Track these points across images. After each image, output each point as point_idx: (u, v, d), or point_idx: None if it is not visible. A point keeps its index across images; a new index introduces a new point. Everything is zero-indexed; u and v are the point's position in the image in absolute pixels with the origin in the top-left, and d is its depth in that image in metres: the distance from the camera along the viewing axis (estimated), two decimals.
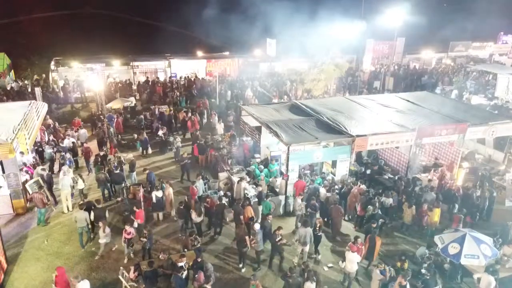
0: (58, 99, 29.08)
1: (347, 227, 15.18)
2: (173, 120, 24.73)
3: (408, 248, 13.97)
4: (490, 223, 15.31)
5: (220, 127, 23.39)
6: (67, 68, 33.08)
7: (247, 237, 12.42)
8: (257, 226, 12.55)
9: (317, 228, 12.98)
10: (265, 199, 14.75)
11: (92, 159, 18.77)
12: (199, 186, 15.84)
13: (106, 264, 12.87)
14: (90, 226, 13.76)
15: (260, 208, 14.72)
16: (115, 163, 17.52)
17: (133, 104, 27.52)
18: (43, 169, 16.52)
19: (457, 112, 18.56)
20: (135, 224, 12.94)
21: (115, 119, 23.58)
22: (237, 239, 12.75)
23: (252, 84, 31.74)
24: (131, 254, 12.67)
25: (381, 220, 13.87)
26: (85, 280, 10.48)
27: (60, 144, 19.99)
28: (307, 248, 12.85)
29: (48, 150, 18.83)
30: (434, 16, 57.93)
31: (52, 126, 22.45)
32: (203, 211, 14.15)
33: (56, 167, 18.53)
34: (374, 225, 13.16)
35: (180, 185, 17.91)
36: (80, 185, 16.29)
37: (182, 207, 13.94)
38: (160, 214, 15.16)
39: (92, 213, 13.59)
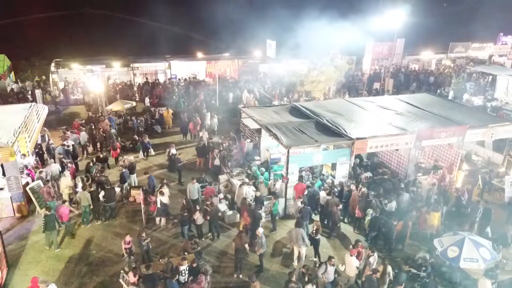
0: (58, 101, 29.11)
1: (346, 230, 15.24)
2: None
3: (408, 252, 13.96)
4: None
5: (205, 135, 21.40)
6: (67, 70, 33.11)
7: (246, 245, 12.32)
8: (260, 230, 12.66)
9: (313, 232, 12.90)
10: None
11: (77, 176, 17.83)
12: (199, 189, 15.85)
13: (107, 267, 12.90)
14: (91, 206, 14.88)
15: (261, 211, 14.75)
16: (101, 170, 17.47)
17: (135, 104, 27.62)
18: (41, 172, 16.59)
19: (456, 114, 18.57)
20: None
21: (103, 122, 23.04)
22: (236, 247, 12.43)
23: (252, 86, 31.72)
24: (132, 263, 12.69)
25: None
26: (52, 284, 10.67)
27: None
28: (303, 250, 12.82)
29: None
30: (434, 17, 58.11)
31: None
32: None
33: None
34: (396, 222, 13.37)
35: (180, 187, 17.95)
36: (78, 189, 16.24)
37: (185, 213, 13.89)
38: (163, 220, 15.10)
39: (102, 193, 15.04)
